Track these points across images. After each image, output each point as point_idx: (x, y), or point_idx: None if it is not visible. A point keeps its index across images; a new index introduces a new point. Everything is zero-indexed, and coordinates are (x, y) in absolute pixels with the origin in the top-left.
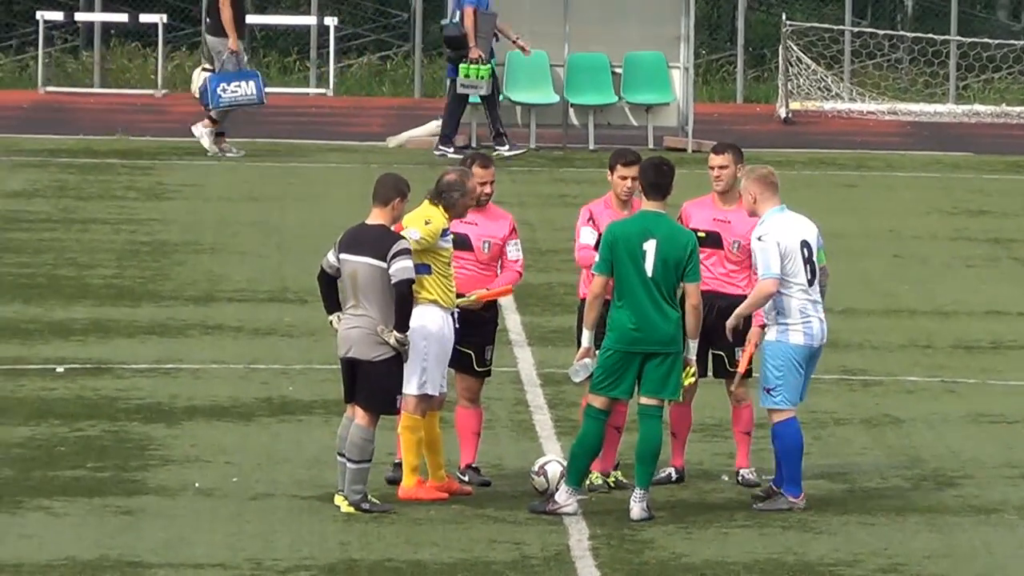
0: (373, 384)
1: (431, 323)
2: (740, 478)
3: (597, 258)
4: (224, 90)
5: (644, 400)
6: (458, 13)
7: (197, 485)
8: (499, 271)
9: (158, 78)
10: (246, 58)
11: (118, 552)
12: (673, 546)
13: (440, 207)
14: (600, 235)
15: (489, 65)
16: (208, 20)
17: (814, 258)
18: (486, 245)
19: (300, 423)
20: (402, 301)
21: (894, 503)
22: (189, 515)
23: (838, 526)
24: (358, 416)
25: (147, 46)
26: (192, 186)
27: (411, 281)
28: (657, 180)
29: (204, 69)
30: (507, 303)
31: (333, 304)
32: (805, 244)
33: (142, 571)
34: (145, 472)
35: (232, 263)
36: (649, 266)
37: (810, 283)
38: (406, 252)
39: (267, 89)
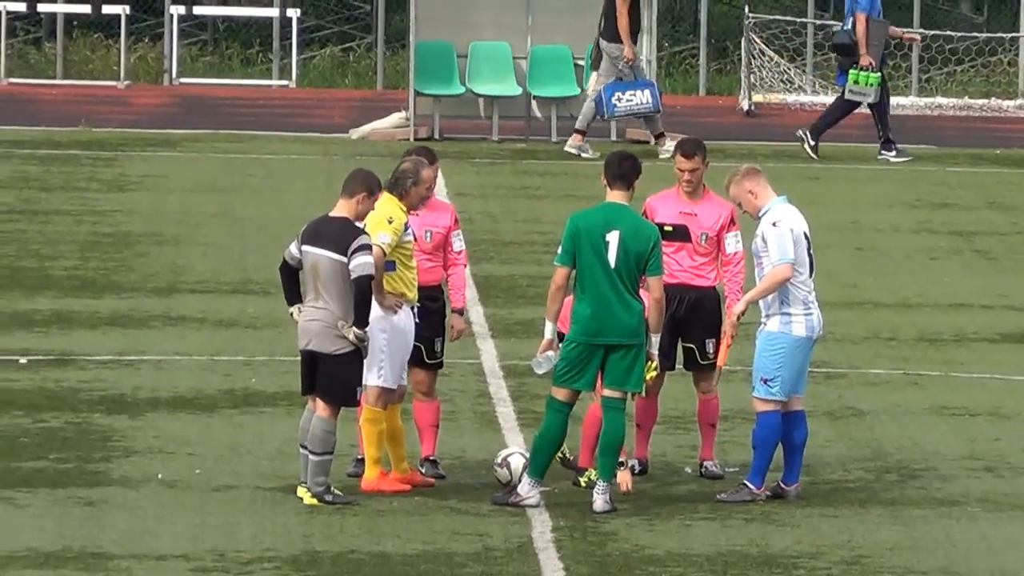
0: (333, 377)
1: (391, 316)
2: (704, 470)
3: (560, 249)
4: (619, 99)
5: (607, 392)
6: (850, 20)
7: (160, 476)
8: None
9: (121, 69)
10: (642, 64)
11: (80, 543)
12: (636, 538)
13: (396, 198)
14: None
15: (879, 73)
16: (603, 25)
17: (812, 250)
18: (428, 234)
19: (263, 415)
20: (362, 297)
21: (857, 495)
22: (152, 506)
23: (801, 518)
24: (319, 408)
25: (110, 37)
26: (155, 177)
27: (371, 277)
28: (621, 172)
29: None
30: (470, 295)
31: (294, 295)
32: (806, 236)
33: (105, 562)
34: (108, 463)
35: (195, 254)
36: (612, 257)
37: (810, 274)
38: (367, 248)
39: (229, 81)
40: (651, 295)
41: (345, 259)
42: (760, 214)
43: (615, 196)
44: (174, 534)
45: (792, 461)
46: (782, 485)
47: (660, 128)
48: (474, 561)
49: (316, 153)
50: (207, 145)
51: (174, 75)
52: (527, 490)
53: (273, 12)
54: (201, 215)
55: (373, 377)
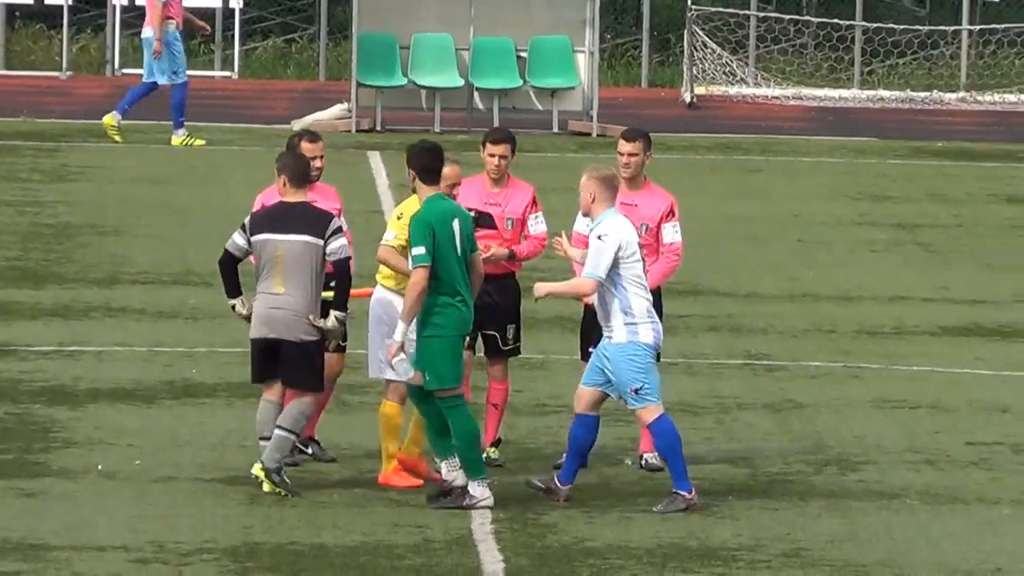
0: (302, 366)
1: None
2: (644, 462)
3: (423, 250)
4: None
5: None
6: None
7: (100, 468)
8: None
9: (63, 60)
10: None
11: (20, 534)
12: (575, 530)
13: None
14: None
15: None
16: None
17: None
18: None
19: (203, 406)
20: (343, 279)
21: (797, 488)
22: (92, 497)
23: (741, 511)
24: (299, 393)
25: (52, 28)
26: (96, 168)
27: (350, 258)
28: (433, 165)
29: None
30: None
31: (236, 288)
32: (640, 246)
33: (44, 553)
34: (48, 454)
35: (136, 245)
36: (459, 245)
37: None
38: (341, 230)
39: None
40: (473, 271)
41: (321, 242)
42: (593, 223)
43: (431, 190)
44: (114, 525)
45: (574, 462)
46: (556, 482)
47: None
48: (414, 553)
49: (258, 144)
50: (149, 136)
51: (116, 66)
52: (480, 492)
53: (216, 3)
54: (143, 206)
55: (388, 372)
